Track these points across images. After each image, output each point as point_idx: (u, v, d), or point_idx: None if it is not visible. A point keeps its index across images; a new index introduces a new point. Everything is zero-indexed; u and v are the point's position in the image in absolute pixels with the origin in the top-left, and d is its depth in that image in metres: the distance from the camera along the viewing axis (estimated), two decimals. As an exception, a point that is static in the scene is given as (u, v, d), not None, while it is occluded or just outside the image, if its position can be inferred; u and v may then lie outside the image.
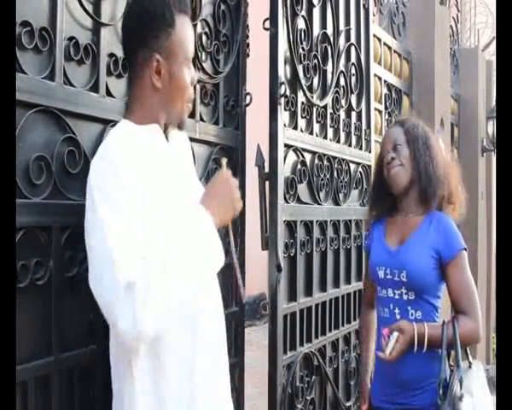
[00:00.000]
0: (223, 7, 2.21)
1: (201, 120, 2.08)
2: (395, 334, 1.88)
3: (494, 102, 6.36)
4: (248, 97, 2.34)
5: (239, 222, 2.28)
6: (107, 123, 1.62)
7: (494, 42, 7.75)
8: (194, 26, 2.02)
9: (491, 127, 5.90)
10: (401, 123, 2.19)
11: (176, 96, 1.46)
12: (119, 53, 1.67)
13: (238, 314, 2.30)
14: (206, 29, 2.11)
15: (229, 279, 2.22)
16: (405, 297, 2.03)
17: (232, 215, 1.48)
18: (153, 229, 1.32)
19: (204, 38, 2.10)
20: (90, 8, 1.58)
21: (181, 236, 1.33)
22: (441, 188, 2.09)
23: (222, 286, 2.13)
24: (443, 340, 1.92)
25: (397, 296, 2.05)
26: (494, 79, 6.58)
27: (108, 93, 1.63)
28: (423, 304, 2.02)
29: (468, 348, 2.01)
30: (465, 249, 2.03)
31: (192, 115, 1.98)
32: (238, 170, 2.29)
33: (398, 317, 2.03)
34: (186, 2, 1.50)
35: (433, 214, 2.09)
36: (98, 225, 1.26)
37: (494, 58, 6.71)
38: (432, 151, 2.11)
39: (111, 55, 1.65)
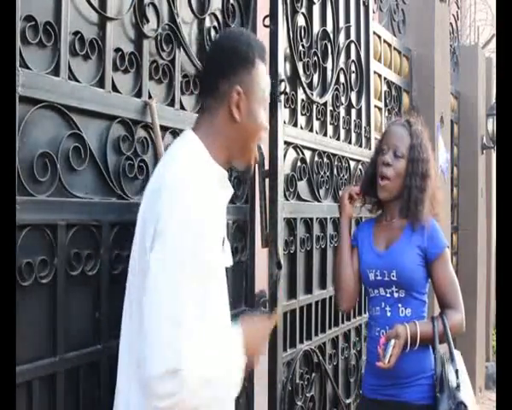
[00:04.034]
0: (232, 1, 2.17)
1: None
2: (392, 342, 1.97)
3: (494, 100, 6.36)
4: None
5: (249, 221, 2.27)
6: (113, 119, 1.60)
7: (494, 39, 7.74)
8: (203, 20, 2.01)
9: (491, 125, 5.90)
10: (409, 130, 2.19)
11: (251, 134, 1.50)
12: (125, 48, 1.66)
13: (247, 314, 2.30)
14: (215, 23, 2.08)
15: (239, 279, 2.23)
16: (396, 295, 2.12)
17: (254, 362, 1.52)
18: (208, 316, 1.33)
19: (213, 32, 2.06)
20: (95, 2, 1.55)
21: (224, 354, 1.36)
22: (424, 211, 2.12)
23: (232, 285, 2.15)
24: (435, 335, 2.04)
25: (388, 295, 2.13)
26: (494, 76, 6.58)
27: (114, 88, 1.61)
28: (412, 301, 2.12)
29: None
30: (448, 246, 2.17)
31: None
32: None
33: (388, 314, 2.12)
34: (265, 52, 1.56)
35: None
36: (172, 282, 1.24)
37: (494, 55, 6.71)
38: (427, 174, 2.14)
39: (117, 49, 1.63)
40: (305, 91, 2.58)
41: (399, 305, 2.11)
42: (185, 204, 1.28)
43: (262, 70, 1.52)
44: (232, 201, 2.17)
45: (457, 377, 1.98)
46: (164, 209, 1.28)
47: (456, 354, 2.09)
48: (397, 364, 1.97)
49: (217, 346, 1.34)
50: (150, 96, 1.73)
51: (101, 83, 1.57)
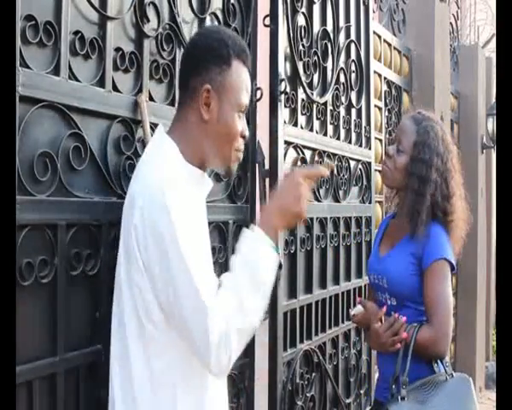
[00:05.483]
0: (232, 0, 2.16)
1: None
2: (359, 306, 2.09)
3: (494, 99, 6.36)
4: (259, 92, 2.29)
5: (249, 221, 2.26)
6: (114, 118, 1.60)
7: (494, 39, 7.74)
8: (204, 19, 2.00)
9: (491, 124, 5.90)
10: (418, 125, 2.07)
11: (223, 137, 1.43)
12: (126, 47, 1.66)
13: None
14: (216, 23, 2.07)
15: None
16: (389, 302, 2.07)
17: (296, 223, 1.47)
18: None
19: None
20: (95, 1, 1.55)
21: (243, 265, 1.35)
22: (421, 218, 2.00)
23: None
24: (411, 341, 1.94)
25: (383, 300, 2.10)
26: (494, 75, 6.58)
27: (115, 88, 1.61)
28: (407, 310, 2.02)
29: (444, 362, 1.98)
30: (446, 260, 1.99)
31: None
32: (249, 166, 2.27)
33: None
34: (247, 55, 1.48)
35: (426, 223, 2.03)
36: (180, 267, 1.28)
37: (494, 55, 6.71)
38: (427, 177, 2.02)
39: (117, 49, 1.62)
40: (305, 91, 2.58)
41: (392, 312, 2.01)
42: (156, 214, 1.29)
43: (238, 71, 1.44)
44: (232, 201, 2.17)
45: (403, 388, 1.89)
46: (138, 221, 1.30)
47: (459, 378, 1.97)
48: (391, 365, 1.96)
49: (232, 278, 1.34)
50: (139, 91, 1.71)
51: (101, 82, 1.57)
